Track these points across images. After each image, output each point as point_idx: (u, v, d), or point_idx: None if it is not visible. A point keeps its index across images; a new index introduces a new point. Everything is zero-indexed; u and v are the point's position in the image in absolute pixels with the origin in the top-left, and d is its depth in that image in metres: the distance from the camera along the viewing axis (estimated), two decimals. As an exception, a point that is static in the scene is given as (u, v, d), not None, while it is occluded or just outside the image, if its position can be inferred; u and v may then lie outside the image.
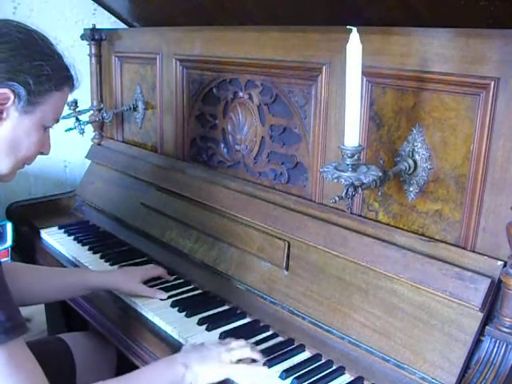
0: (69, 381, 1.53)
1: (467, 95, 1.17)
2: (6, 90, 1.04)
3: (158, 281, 1.63)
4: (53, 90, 1.11)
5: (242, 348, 1.24)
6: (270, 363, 1.26)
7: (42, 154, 1.19)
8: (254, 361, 1.25)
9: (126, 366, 1.57)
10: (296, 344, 1.36)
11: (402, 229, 1.33)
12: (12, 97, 1.05)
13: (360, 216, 1.42)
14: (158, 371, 1.18)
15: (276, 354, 1.30)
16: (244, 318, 1.48)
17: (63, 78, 1.14)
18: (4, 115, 1.06)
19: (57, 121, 1.17)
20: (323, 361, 1.30)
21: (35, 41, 1.10)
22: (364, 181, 1.17)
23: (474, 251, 1.20)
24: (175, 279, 1.67)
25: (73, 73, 1.17)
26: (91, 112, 2.26)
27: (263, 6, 1.63)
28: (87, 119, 2.23)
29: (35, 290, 1.46)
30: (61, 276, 1.53)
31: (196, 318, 1.44)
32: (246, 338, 1.33)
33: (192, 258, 1.72)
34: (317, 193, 1.52)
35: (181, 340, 1.36)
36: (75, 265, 1.80)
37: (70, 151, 2.61)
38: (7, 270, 1.08)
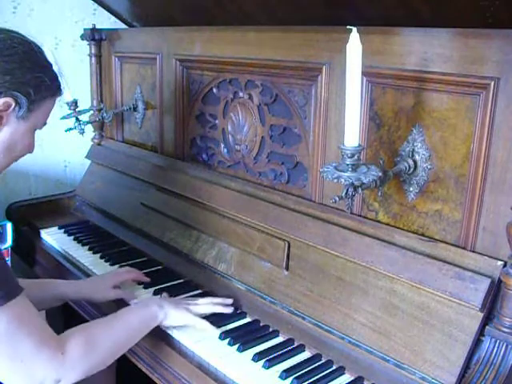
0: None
1: (467, 95, 1.17)
2: (8, 99, 1.13)
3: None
4: (48, 97, 1.22)
5: (207, 305, 1.44)
6: (269, 363, 1.26)
7: (29, 152, 1.27)
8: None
9: (125, 366, 1.58)
10: (296, 344, 1.36)
11: (402, 229, 1.33)
12: (13, 105, 1.14)
13: (360, 216, 1.42)
14: (135, 311, 1.34)
15: (276, 354, 1.30)
16: (244, 317, 1.48)
17: (56, 86, 1.25)
18: (4, 120, 1.16)
19: (45, 124, 1.28)
20: (323, 361, 1.30)
21: (35, 53, 1.19)
22: (364, 181, 1.17)
23: (473, 251, 1.20)
24: (175, 279, 1.67)
25: (60, 81, 1.26)
26: (91, 112, 2.26)
27: (263, 6, 1.63)
28: (87, 119, 2.23)
29: None
30: (35, 288, 1.49)
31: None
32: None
33: (192, 257, 1.72)
34: (317, 193, 1.52)
35: (178, 339, 1.36)
36: (75, 265, 1.81)
37: (70, 151, 2.61)
38: None
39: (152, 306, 1.36)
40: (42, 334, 1.12)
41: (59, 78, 1.26)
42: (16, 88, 1.13)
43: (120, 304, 1.50)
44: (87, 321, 1.61)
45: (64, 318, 2.13)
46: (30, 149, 1.26)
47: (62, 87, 1.27)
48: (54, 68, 1.24)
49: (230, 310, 1.47)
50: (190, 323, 1.38)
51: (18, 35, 1.18)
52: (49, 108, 1.25)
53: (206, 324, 1.38)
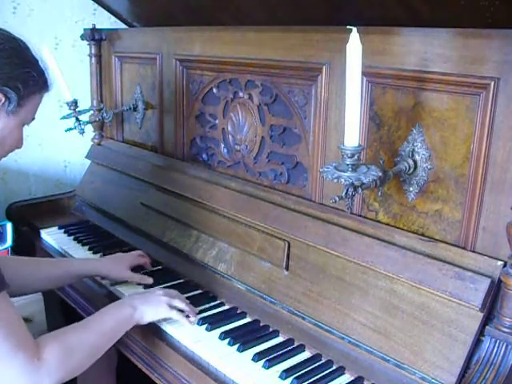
0: (69, 380, 1.53)
1: (467, 95, 1.17)
2: None
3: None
4: (36, 92, 1.23)
5: (180, 299, 1.44)
6: (269, 363, 1.26)
7: (17, 148, 1.28)
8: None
9: (126, 366, 1.58)
10: (296, 344, 1.36)
11: (402, 229, 1.33)
12: (3, 100, 1.15)
13: (360, 216, 1.42)
14: (109, 314, 1.32)
15: (276, 354, 1.30)
16: (244, 317, 1.48)
17: (43, 81, 1.25)
18: None
19: (34, 119, 1.28)
20: (323, 361, 1.30)
21: (22, 49, 1.21)
22: (364, 181, 1.17)
23: (473, 251, 1.20)
24: (175, 279, 1.67)
25: (47, 76, 1.27)
26: (91, 112, 2.26)
27: (263, 6, 1.63)
28: (87, 119, 2.23)
29: (23, 280, 1.48)
30: (48, 266, 1.57)
31: (196, 319, 1.44)
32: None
33: (192, 257, 1.72)
34: (317, 193, 1.52)
35: (178, 339, 1.36)
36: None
37: (70, 151, 2.62)
38: None
39: (126, 307, 1.35)
40: (19, 338, 1.09)
41: (46, 74, 1.27)
42: (5, 83, 1.14)
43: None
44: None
45: (64, 317, 2.13)
46: (18, 144, 1.27)
47: (49, 83, 1.28)
48: (41, 64, 1.26)
49: (194, 318, 1.43)
50: (166, 316, 1.39)
51: (4, 32, 1.20)
52: (37, 103, 1.26)
53: (180, 316, 1.39)
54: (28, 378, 1.08)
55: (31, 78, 1.19)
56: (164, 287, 1.59)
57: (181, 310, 1.42)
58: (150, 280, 1.61)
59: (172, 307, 1.40)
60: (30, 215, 2.18)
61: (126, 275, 1.61)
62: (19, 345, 1.07)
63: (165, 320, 1.42)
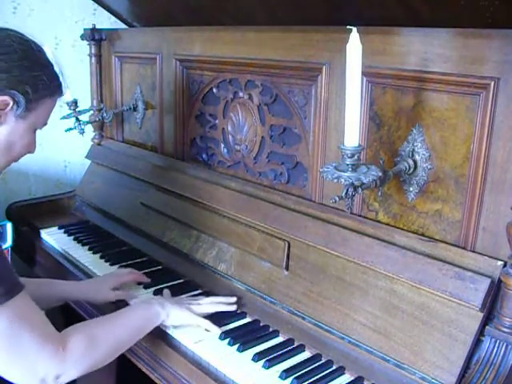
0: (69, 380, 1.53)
1: (467, 95, 1.17)
2: (6, 98, 1.13)
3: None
4: (47, 97, 1.21)
5: (210, 304, 1.45)
6: (269, 363, 1.26)
7: (29, 152, 1.27)
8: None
9: (125, 366, 1.58)
10: (296, 344, 1.36)
11: (402, 229, 1.33)
12: (11, 103, 1.14)
13: (360, 216, 1.42)
14: (137, 310, 1.35)
15: (276, 354, 1.30)
16: (244, 317, 1.48)
17: (56, 86, 1.24)
18: (2, 119, 1.15)
19: (46, 124, 1.27)
20: (323, 361, 1.30)
21: (33, 52, 1.19)
22: (364, 181, 1.17)
23: (473, 251, 1.20)
24: (175, 279, 1.67)
25: (61, 81, 1.26)
26: (91, 112, 2.26)
27: (263, 6, 1.63)
28: (87, 119, 2.23)
29: None
30: (35, 288, 1.46)
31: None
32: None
33: (192, 257, 1.72)
34: (317, 193, 1.52)
35: (178, 339, 1.36)
36: (75, 265, 1.81)
37: (70, 151, 2.61)
38: None
39: (154, 305, 1.36)
40: (44, 331, 1.13)
41: (60, 78, 1.25)
42: (13, 86, 1.13)
43: (119, 304, 1.50)
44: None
45: (64, 318, 2.13)
46: (30, 149, 1.26)
47: (63, 87, 1.26)
48: (56, 68, 1.24)
49: (233, 308, 1.47)
50: (192, 323, 1.38)
51: (16, 34, 1.18)
52: (49, 108, 1.24)
53: (208, 324, 1.38)
54: (56, 368, 1.12)
55: (41, 81, 1.17)
56: (164, 287, 1.60)
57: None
58: (132, 300, 1.53)
59: (199, 314, 1.39)
60: (30, 215, 2.18)
61: (110, 296, 1.53)
62: (44, 337, 1.11)
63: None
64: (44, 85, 1.18)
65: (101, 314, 1.55)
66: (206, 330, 1.38)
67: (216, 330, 1.37)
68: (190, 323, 1.38)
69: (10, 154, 1.21)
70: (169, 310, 1.36)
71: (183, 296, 1.54)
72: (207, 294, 1.59)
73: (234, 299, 1.51)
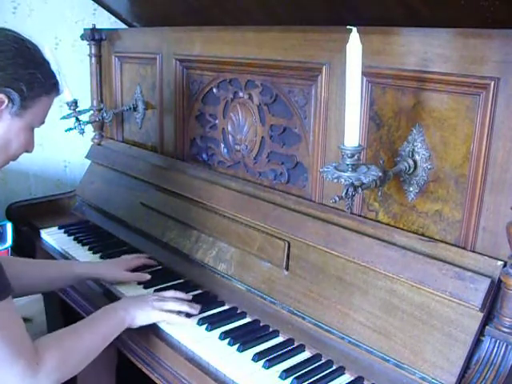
0: (69, 380, 1.53)
1: (467, 95, 1.17)
2: (1, 95, 1.13)
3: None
4: (42, 95, 1.21)
5: (174, 301, 1.44)
6: (269, 363, 1.26)
7: (27, 151, 1.28)
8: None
9: (126, 366, 1.58)
10: (296, 344, 1.36)
11: (402, 229, 1.33)
12: (6, 101, 1.14)
13: (360, 216, 1.42)
14: (102, 320, 1.34)
15: (276, 354, 1.30)
16: (244, 317, 1.48)
17: (51, 84, 1.25)
18: None
19: (43, 122, 1.27)
20: (323, 361, 1.30)
21: (28, 50, 1.19)
22: (364, 181, 1.17)
23: (473, 251, 1.20)
24: (175, 279, 1.67)
25: (58, 79, 1.26)
26: (91, 112, 2.26)
27: (263, 5, 1.63)
28: (87, 119, 2.23)
29: (24, 281, 1.49)
30: (47, 268, 1.59)
31: (196, 319, 1.44)
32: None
33: (192, 257, 1.72)
34: (317, 193, 1.52)
35: (178, 339, 1.37)
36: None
37: (70, 151, 2.62)
38: None
39: (118, 311, 1.37)
40: (21, 344, 1.12)
41: (57, 77, 1.25)
42: (8, 84, 1.13)
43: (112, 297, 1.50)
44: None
45: (64, 317, 2.13)
46: (27, 147, 1.26)
47: (59, 86, 1.27)
48: (52, 67, 1.24)
49: (196, 312, 1.45)
50: (158, 320, 1.40)
51: (10, 32, 1.18)
52: (45, 106, 1.24)
53: (176, 317, 1.40)
54: (29, 382, 1.11)
55: (36, 79, 1.17)
56: (164, 287, 1.60)
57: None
58: (147, 276, 1.63)
59: (165, 310, 1.40)
60: (30, 215, 2.18)
61: (120, 276, 1.61)
62: (20, 351, 1.11)
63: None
64: (39, 83, 1.18)
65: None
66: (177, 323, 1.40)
67: (190, 322, 1.41)
68: (156, 321, 1.40)
69: (7, 152, 1.21)
70: (134, 314, 1.37)
71: (151, 294, 1.52)
72: (207, 293, 1.59)
73: (191, 297, 1.51)
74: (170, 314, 1.40)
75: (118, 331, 1.34)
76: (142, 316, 1.38)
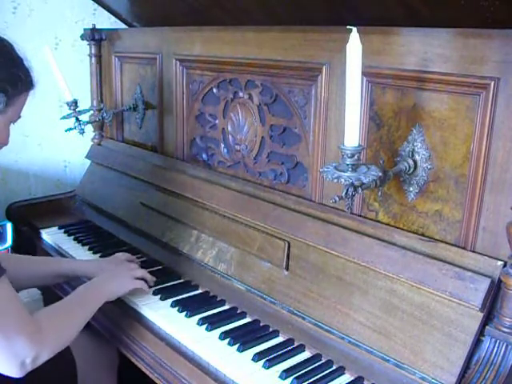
0: (70, 381, 1.53)
1: (467, 95, 1.17)
2: None
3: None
4: (23, 92, 1.26)
5: (140, 269, 1.60)
6: (269, 363, 1.26)
7: (3, 145, 1.31)
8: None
9: (127, 366, 1.58)
10: (296, 344, 1.36)
11: (402, 229, 1.33)
12: None
13: (360, 216, 1.42)
14: (86, 293, 1.44)
15: (276, 354, 1.30)
16: (244, 317, 1.48)
17: (30, 81, 1.28)
18: None
19: (20, 117, 1.31)
20: (323, 361, 1.30)
21: (7, 49, 1.23)
22: (364, 181, 1.17)
23: (473, 251, 1.20)
24: (175, 279, 1.67)
25: (32, 75, 1.29)
26: (91, 112, 2.26)
27: (263, 5, 1.63)
28: (87, 119, 2.23)
29: (11, 277, 1.49)
30: (36, 264, 1.62)
31: (196, 318, 1.44)
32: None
33: (192, 257, 1.72)
34: (317, 193, 1.52)
35: (178, 339, 1.36)
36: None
37: (70, 151, 2.62)
38: None
39: (99, 287, 1.48)
40: (22, 315, 1.19)
41: (31, 72, 1.28)
42: None
43: (117, 303, 1.50)
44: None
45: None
46: (5, 142, 1.30)
47: (34, 81, 1.30)
48: (25, 62, 1.27)
49: (153, 279, 1.61)
50: (132, 288, 1.53)
51: None
52: (24, 102, 1.29)
53: (142, 283, 1.54)
54: (34, 350, 1.18)
55: (18, 78, 1.22)
56: (164, 287, 1.60)
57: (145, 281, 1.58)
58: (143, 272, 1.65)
59: (136, 278, 1.54)
60: (30, 215, 2.18)
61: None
62: (23, 321, 1.18)
63: (164, 318, 1.42)
64: (21, 81, 1.22)
65: (101, 315, 1.55)
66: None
67: (147, 289, 1.55)
68: (133, 288, 1.53)
69: None
70: (110, 288, 1.48)
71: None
72: (207, 293, 1.59)
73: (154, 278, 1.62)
74: (142, 283, 1.54)
75: (98, 305, 1.44)
76: (117, 287, 1.50)
